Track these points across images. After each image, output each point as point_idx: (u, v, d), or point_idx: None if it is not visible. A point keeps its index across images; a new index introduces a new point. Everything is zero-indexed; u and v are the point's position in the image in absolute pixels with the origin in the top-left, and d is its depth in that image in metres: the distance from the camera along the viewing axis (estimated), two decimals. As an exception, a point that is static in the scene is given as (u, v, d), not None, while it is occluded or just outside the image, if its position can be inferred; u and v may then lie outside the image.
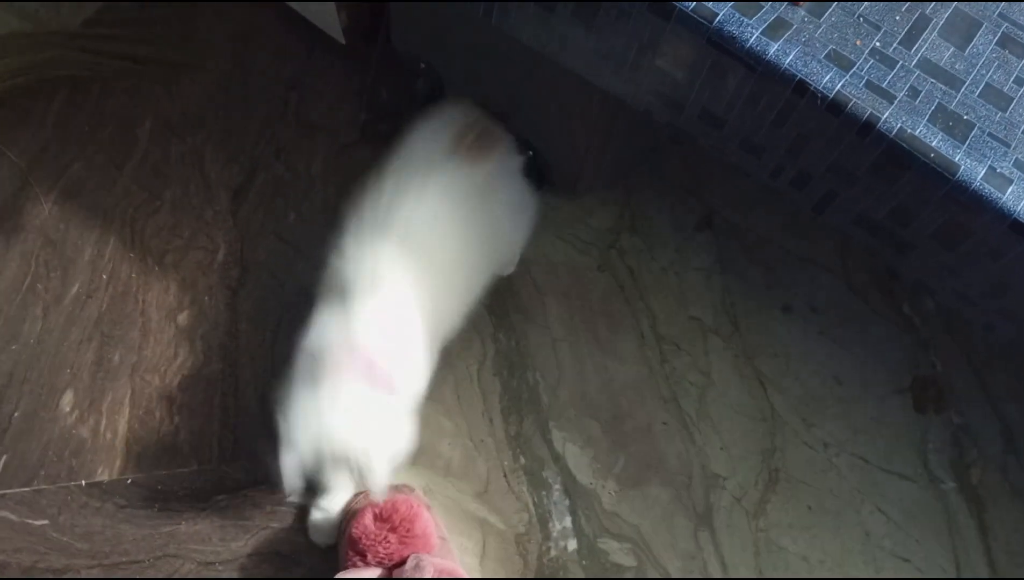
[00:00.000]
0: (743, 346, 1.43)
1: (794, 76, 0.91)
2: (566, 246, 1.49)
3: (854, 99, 0.90)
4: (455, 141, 1.24)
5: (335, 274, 1.15)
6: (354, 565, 1.16)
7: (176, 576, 1.26)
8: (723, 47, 0.93)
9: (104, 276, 1.45)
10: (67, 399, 1.37)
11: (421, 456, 1.32)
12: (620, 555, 1.31)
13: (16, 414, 1.35)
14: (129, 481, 1.32)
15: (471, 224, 1.23)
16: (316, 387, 1.09)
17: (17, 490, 1.30)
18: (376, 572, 1.15)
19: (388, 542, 1.15)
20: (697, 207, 1.51)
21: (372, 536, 1.15)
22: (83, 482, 1.32)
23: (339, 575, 1.14)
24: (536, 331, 1.44)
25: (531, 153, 1.42)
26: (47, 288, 1.43)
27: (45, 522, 1.29)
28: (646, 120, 1.10)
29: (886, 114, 0.90)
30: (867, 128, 0.91)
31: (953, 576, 1.30)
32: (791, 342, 1.43)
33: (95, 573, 1.27)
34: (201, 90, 1.61)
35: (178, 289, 1.41)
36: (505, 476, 1.35)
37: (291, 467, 1.10)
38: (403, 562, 1.14)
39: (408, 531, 1.16)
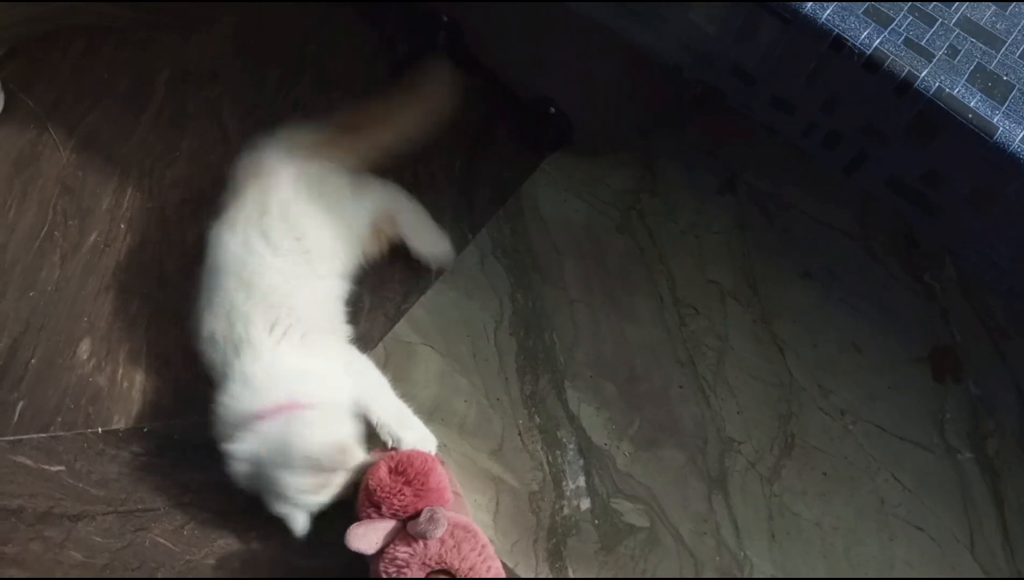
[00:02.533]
0: (762, 310, 1.42)
1: (831, 31, 0.90)
2: (585, 206, 1.48)
3: (891, 56, 0.89)
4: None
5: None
6: (368, 517, 1.17)
7: (189, 525, 1.27)
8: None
9: (122, 226, 1.44)
10: (84, 347, 1.37)
11: (436, 413, 1.33)
12: (633, 515, 1.31)
13: (33, 361, 1.35)
14: (145, 429, 1.33)
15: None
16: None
17: (34, 436, 1.31)
18: (390, 524, 1.15)
19: (403, 495, 1.15)
20: (719, 169, 1.49)
21: (387, 488, 1.15)
22: (99, 429, 1.32)
23: (353, 526, 1.14)
24: (553, 291, 1.43)
25: (552, 110, 1.41)
26: (64, 236, 1.43)
27: (61, 468, 1.30)
28: (674, 77, 1.09)
29: (924, 72, 0.88)
30: (904, 87, 0.89)
31: (967, 544, 1.30)
32: (810, 307, 1.42)
33: (110, 519, 1.27)
34: (218, 42, 1.59)
35: (195, 241, 1.41)
36: (520, 435, 1.35)
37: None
38: (417, 515, 1.14)
39: (423, 484, 1.16)
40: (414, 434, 1.23)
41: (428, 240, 1.41)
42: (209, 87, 1.55)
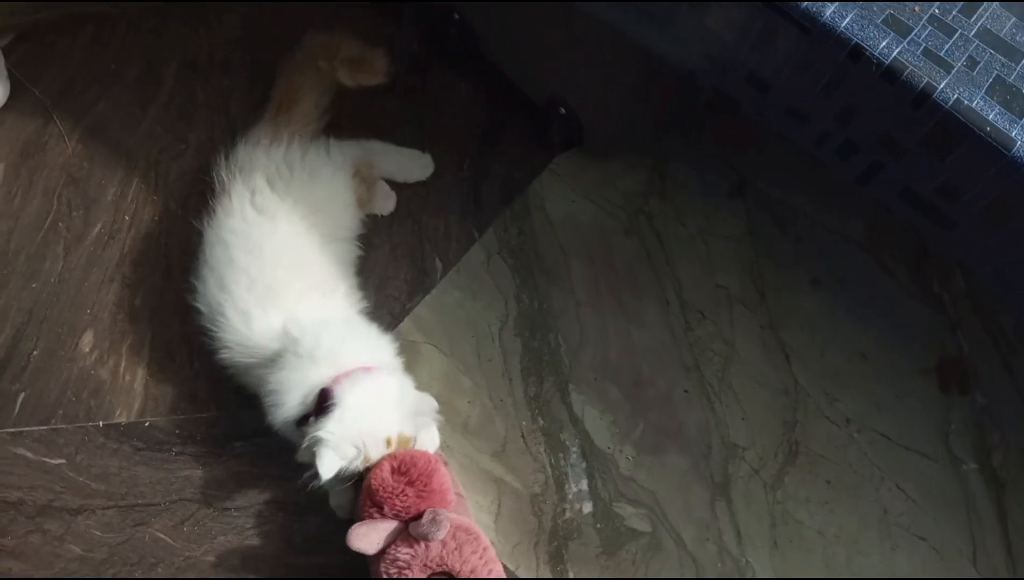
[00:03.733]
0: (769, 317, 1.41)
1: (849, 40, 0.89)
2: (594, 208, 1.47)
3: (910, 67, 0.88)
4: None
5: None
6: (371, 516, 1.16)
7: (189, 521, 1.27)
8: (778, 7, 0.90)
9: (127, 217, 1.43)
10: (87, 339, 1.36)
11: (439, 412, 1.31)
12: (635, 520, 1.31)
13: (35, 352, 1.34)
14: (147, 424, 1.32)
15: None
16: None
17: (35, 428, 1.30)
18: (392, 525, 1.15)
19: (405, 495, 1.14)
20: (729, 175, 1.48)
21: (389, 489, 1.15)
22: (101, 423, 1.32)
23: (355, 526, 1.14)
24: (560, 293, 1.42)
25: (562, 111, 1.40)
26: (69, 227, 1.42)
27: (62, 461, 1.29)
28: (687, 82, 1.08)
29: (943, 84, 0.88)
30: (922, 98, 0.88)
31: (969, 557, 1.29)
32: (818, 315, 1.41)
33: (110, 514, 1.27)
34: (227, 33, 1.58)
35: (201, 234, 1.39)
36: (523, 436, 1.35)
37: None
38: (420, 515, 1.14)
39: (426, 485, 1.15)
40: (427, 431, 1.24)
41: (407, 165, 1.47)
42: (218, 78, 1.53)
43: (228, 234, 1.25)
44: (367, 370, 1.16)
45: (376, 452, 1.14)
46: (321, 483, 1.12)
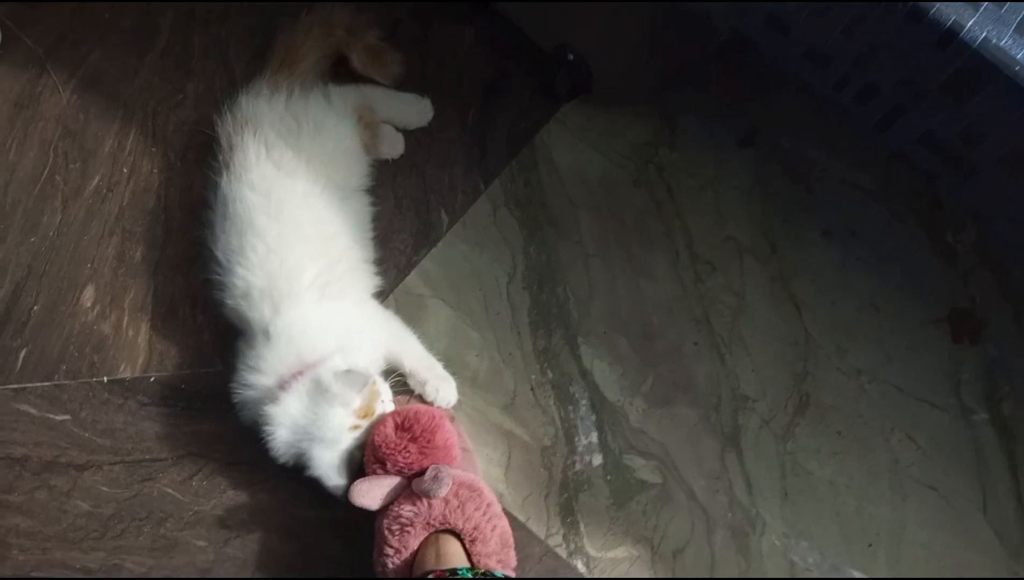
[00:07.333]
0: (780, 268, 1.39)
1: (875, -23, 0.86)
2: (602, 159, 1.45)
3: (937, 5, 0.85)
4: None
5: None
6: (374, 472, 1.15)
7: (197, 475, 1.26)
8: (801, -57, 0.87)
9: (125, 170, 1.40)
10: (88, 294, 1.34)
11: (447, 366, 1.30)
12: (645, 472, 1.30)
13: (36, 307, 1.32)
14: (152, 379, 1.31)
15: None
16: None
17: (38, 384, 1.29)
18: (395, 481, 1.14)
19: (408, 451, 1.13)
20: (740, 125, 1.46)
21: (392, 444, 1.14)
22: (105, 378, 1.30)
23: (357, 482, 1.13)
24: (568, 245, 1.41)
25: (571, 57, 1.36)
26: (66, 180, 1.39)
27: (66, 417, 1.28)
28: (701, 26, 1.05)
29: (970, 23, 0.85)
30: (949, 37, 0.85)
31: (979, 506, 1.29)
32: (829, 266, 1.39)
33: (117, 469, 1.26)
34: (226, -21, 1.54)
35: (201, 187, 1.37)
36: (532, 390, 1.34)
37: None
38: (423, 472, 1.13)
39: (429, 441, 1.14)
40: (445, 384, 1.25)
41: (405, 110, 1.44)
42: (216, 27, 1.49)
43: (248, 191, 1.24)
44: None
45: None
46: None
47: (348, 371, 1.13)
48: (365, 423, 1.17)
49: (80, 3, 1.49)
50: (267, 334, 1.18)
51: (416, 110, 1.44)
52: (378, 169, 1.40)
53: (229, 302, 1.23)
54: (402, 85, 1.44)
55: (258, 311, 1.20)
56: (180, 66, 1.47)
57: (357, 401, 1.14)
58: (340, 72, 1.41)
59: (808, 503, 1.30)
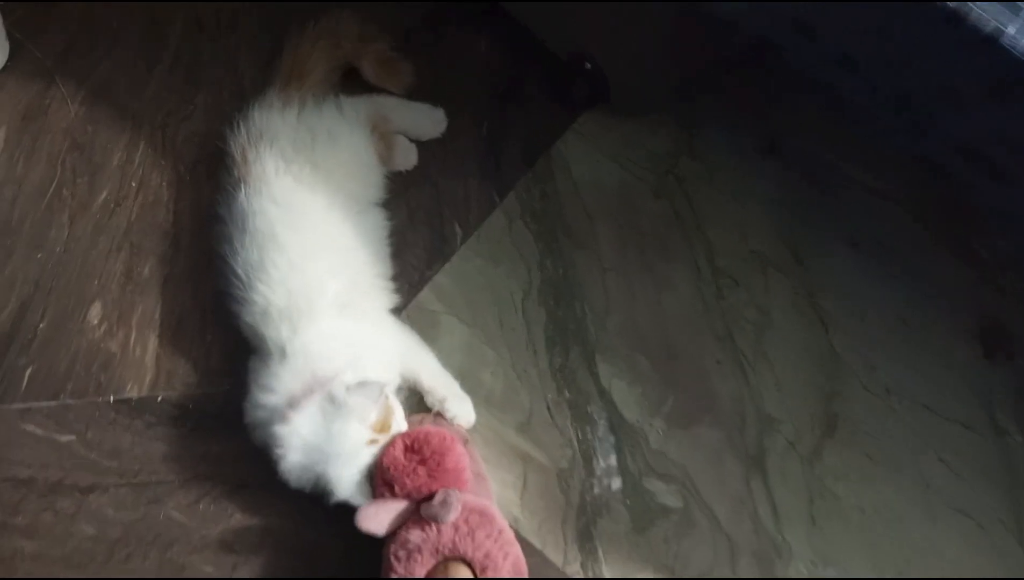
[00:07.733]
0: (805, 282, 1.35)
1: (910, -19, 0.81)
2: (620, 170, 1.41)
3: (977, 9, 0.81)
4: None
5: None
6: (382, 496, 1.12)
7: (205, 498, 1.23)
8: (832, -54, 0.83)
9: (134, 184, 1.38)
10: (95, 311, 1.31)
11: (461, 384, 1.26)
12: (666, 496, 1.26)
13: (42, 325, 1.30)
14: (159, 399, 1.28)
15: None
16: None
17: (44, 403, 1.26)
18: (403, 505, 1.10)
19: (417, 474, 1.10)
20: (762, 134, 1.42)
21: (400, 467, 1.10)
22: (111, 398, 1.27)
23: (365, 506, 1.10)
24: (585, 259, 1.37)
25: (587, 65, 1.33)
26: (73, 194, 1.37)
27: (72, 437, 1.25)
28: (723, 33, 1.01)
29: (1011, 28, 0.80)
30: (988, 42, 0.81)
31: (1014, 530, 1.24)
32: (856, 280, 1.35)
33: (123, 492, 1.23)
34: (235, -13, 1.52)
35: (212, 201, 1.34)
36: (548, 409, 1.30)
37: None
38: (432, 496, 1.09)
39: (439, 464, 1.10)
40: (462, 405, 1.24)
41: (419, 121, 1.42)
42: (225, 36, 1.47)
43: (270, 204, 1.22)
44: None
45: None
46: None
47: (361, 383, 1.10)
48: (382, 438, 1.13)
49: (88, 6, 1.47)
50: (283, 353, 1.16)
51: (430, 120, 1.42)
52: (391, 181, 1.37)
53: (247, 319, 1.21)
54: (415, 95, 1.42)
55: (275, 330, 1.18)
56: (189, 77, 1.45)
57: (373, 413, 1.12)
58: (353, 83, 1.38)
59: (836, 529, 1.25)
